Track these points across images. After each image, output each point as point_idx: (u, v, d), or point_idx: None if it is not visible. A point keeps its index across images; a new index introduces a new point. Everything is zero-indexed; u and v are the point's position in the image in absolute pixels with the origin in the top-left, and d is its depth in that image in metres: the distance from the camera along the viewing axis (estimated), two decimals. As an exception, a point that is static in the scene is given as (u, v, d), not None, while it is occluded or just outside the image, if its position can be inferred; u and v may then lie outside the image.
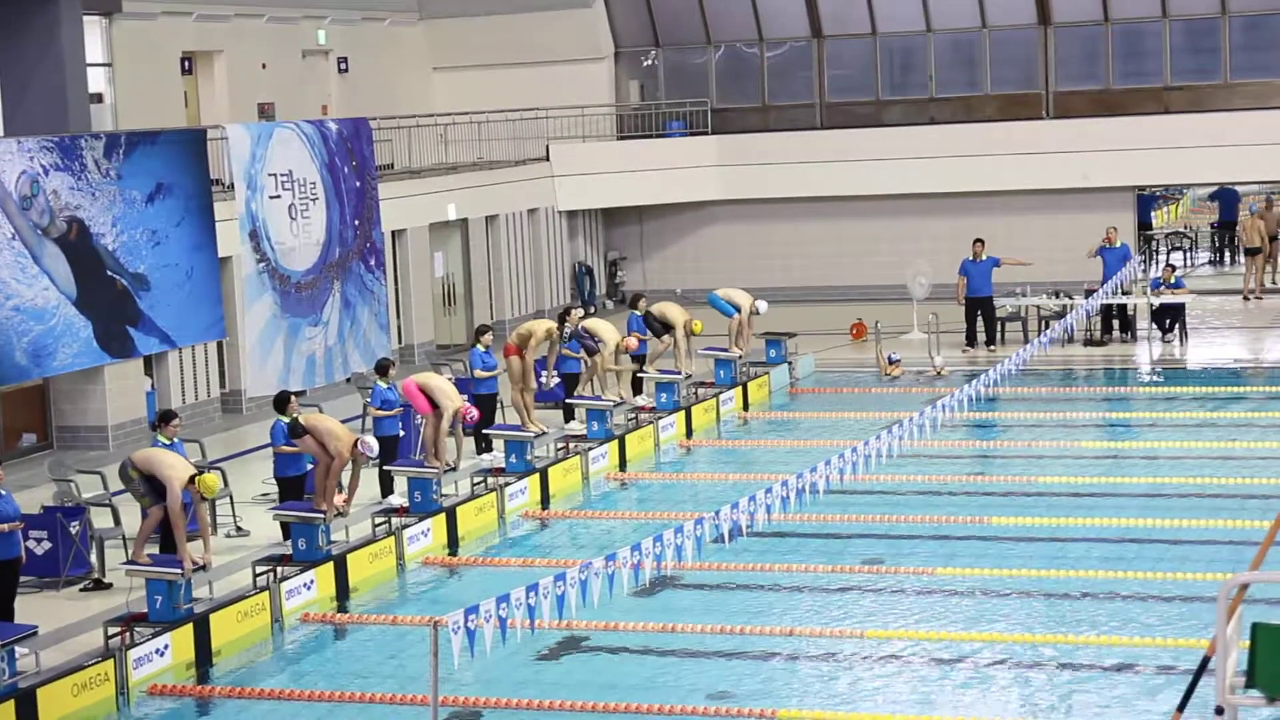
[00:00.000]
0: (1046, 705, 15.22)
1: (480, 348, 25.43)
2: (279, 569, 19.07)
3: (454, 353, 33.14)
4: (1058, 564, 19.28)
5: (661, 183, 40.09)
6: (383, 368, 23.77)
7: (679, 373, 28.02)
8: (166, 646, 16.99)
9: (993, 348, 32.53)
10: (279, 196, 28.18)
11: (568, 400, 26.67)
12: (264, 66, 34.92)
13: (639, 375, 28.47)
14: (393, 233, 32.77)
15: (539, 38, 40.71)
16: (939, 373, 30.61)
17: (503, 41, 40.78)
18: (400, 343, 33.25)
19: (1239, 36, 38.79)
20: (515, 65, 40.71)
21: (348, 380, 29.34)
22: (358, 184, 30.28)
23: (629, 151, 40.54)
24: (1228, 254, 45.39)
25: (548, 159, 39.25)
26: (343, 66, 37.62)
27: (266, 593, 18.50)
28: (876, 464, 20.92)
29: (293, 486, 20.85)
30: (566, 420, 26.52)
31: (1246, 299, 37.00)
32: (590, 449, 24.90)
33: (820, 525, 21.07)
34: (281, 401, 21.24)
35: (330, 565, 19.43)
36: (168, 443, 19.72)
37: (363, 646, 17.87)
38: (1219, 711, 9.84)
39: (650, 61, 41.99)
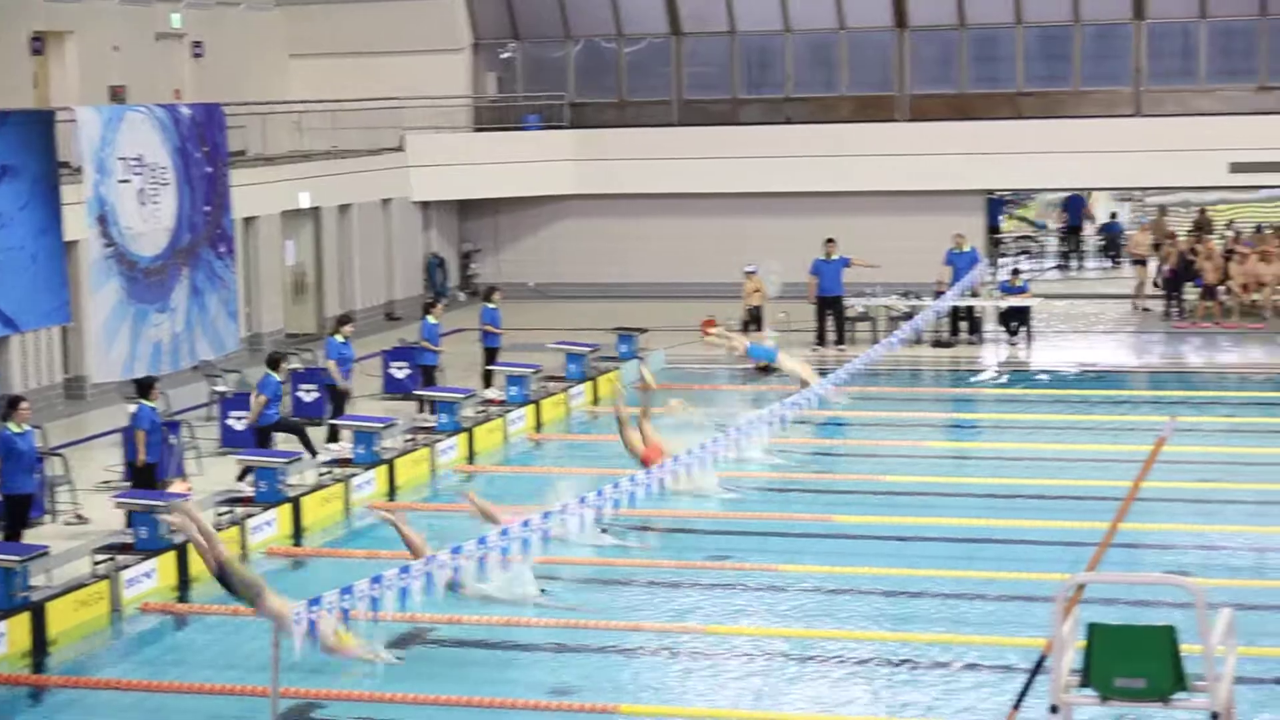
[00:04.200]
0: (886, 701, 15.34)
1: (339, 338, 25.24)
2: (119, 557, 18.82)
3: (303, 342, 32.86)
4: (901, 562, 19.44)
5: (517, 176, 40.01)
6: (344, 319, 25.34)
7: (534, 366, 28.08)
8: (1, 635, 16.71)
9: (842, 347, 32.76)
10: (129, 181, 27.79)
11: (418, 392, 26.61)
12: (116, 49, 34.42)
13: (489, 369, 28.45)
14: (244, 220, 32.45)
15: (397, 27, 40.48)
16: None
17: (360, 30, 40.51)
18: (249, 331, 32.92)
19: (1090, 45, 39.34)
20: (372, 54, 40.47)
21: (195, 368, 29.01)
22: (209, 170, 29.93)
23: (485, 143, 40.41)
24: (1074, 258, 46.07)
25: (403, 149, 39.05)
26: (197, 51, 37.16)
27: (106, 581, 18.25)
28: (725, 461, 21.01)
29: (145, 474, 20.70)
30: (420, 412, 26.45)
31: (1136, 308, 37.21)
32: (439, 441, 24.81)
33: (667, 520, 21.11)
34: (145, 386, 21.20)
35: (172, 554, 19.20)
36: (18, 430, 19.42)
37: (203, 636, 17.68)
38: (1053, 709, 9.97)
39: (508, 54, 41.87)
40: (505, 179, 39.99)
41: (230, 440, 24.81)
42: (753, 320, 32.94)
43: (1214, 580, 17.84)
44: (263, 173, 33.81)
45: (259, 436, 23.23)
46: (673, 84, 41.02)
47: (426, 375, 27.33)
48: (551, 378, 29.01)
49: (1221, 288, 35.30)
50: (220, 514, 20.71)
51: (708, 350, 32.64)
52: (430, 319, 27.73)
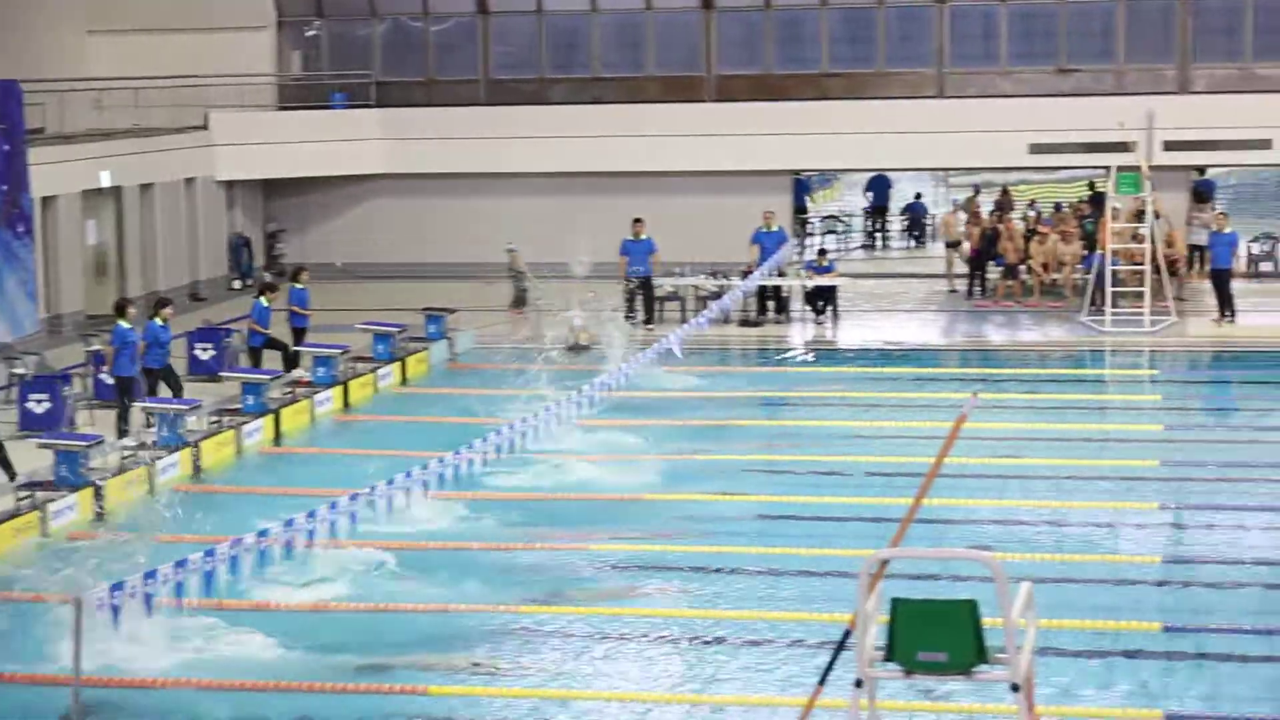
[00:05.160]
0: (693, 678, 15.42)
1: (159, 321, 24.85)
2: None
3: (104, 323, 32.29)
4: (711, 539, 19.55)
5: (323, 155, 39.65)
6: (163, 301, 25.34)
7: (342, 347, 27.91)
8: None
9: (651, 326, 32.86)
10: (-79, 158, 27.21)
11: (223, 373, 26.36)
12: (-92, 23, 33.63)
13: (296, 349, 28.24)
14: (43, 199, 31.81)
15: (199, 3, 39.92)
16: (580, 342, 30.85)
17: (162, 6, 39.89)
18: (49, 312, 32.30)
19: (894, 27, 39.80)
20: (174, 31, 39.85)
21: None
22: (6, 148, 29.36)
23: (290, 122, 40.01)
24: (879, 238, 46.63)
25: (207, 128, 38.53)
26: (-7, 26, 36.39)
27: (-99, 569, 17.85)
28: (534, 439, 21.04)
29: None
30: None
31: (954, 291, 37.46)
32: (245, 423, 24.54)
33: (475, 501, 21.02)
34: None
35: (-30, 540, 18.83)
36: None
37: (2, 623, 17.32)
38: (858, 684, 10.08)
39: (313, 32, 41.47)
40: (311, 158, 39.62)
41: (29, 423, 24.37)
42: (520, 296, 33.02)
43: (1015, 554, 18.16)
44: (62, 151, 33.18)
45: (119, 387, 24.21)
46: (480, 63, 40.89)
47: (254, 356, 27.51)
48: (359, 358, 28.83)
49: (1022, 267, 35.88)
50: (20, 498, 20.32)
51: (517, 330, 32.71)
52: (263, 301, 27.69)
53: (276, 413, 25.32)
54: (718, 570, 18.45)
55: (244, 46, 40.30)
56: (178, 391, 25.27)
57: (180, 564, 14.30)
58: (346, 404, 27.16)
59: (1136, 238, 33.46)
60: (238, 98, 39.47)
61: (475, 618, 17.03)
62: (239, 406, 25.20)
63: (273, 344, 27.77)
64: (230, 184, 39.28)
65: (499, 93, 40.71)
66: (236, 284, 38.41)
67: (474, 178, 39.90)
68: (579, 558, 19.01)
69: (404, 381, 28.99)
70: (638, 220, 33.51)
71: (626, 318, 33.06)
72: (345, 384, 27.41)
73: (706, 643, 16.29)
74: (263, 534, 15.85)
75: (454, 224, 40.04)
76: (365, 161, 40.03)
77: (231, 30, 40.11)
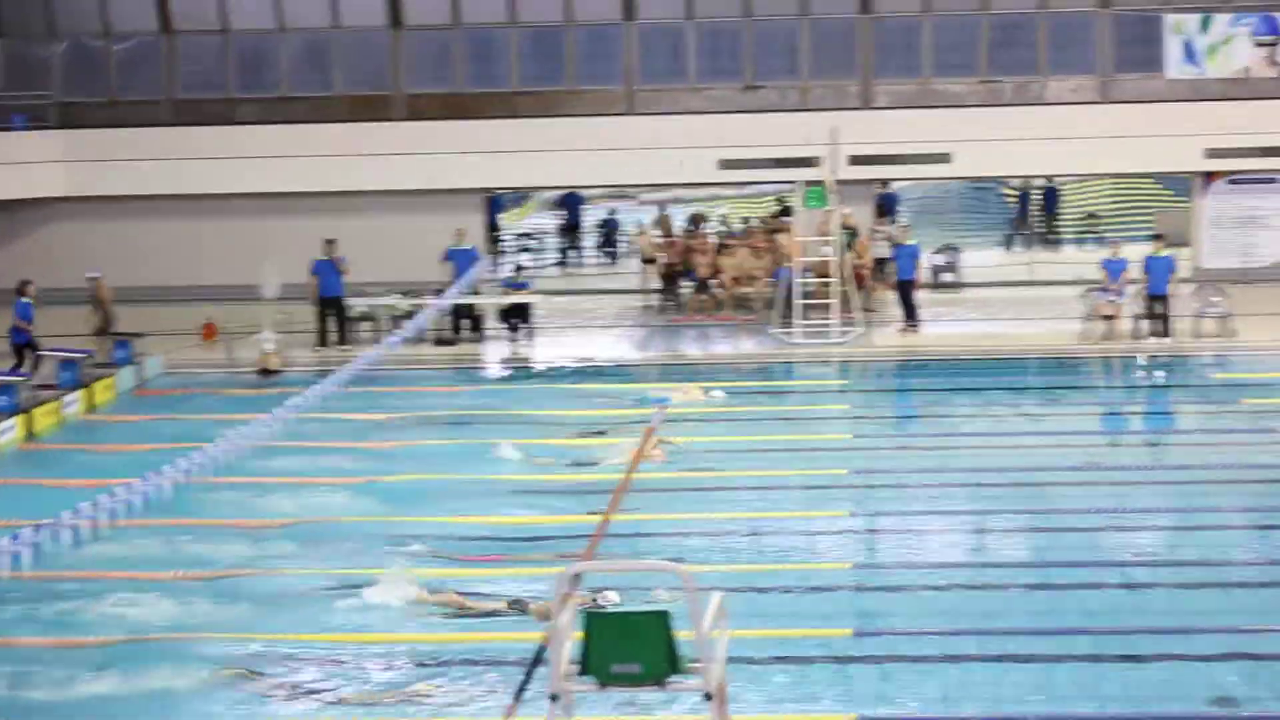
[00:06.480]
0: (392, 700, 15.28)
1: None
2: None
3: None
4: (409, 560, 19.40)
5: (2, 178, 38.59)
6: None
7: (25, 374, 27.28)
8: None
9: (344, 347, 32.59)
10: None
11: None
12: None
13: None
14: None
15: None
16: (270, 366, 30.62)
17: None
18: None
19: (582, 45, 40.09)
20: None
21: None
22: None
23: (-33, 145, 38.94)
24: (573, 255, 46.95)
25: (-122, 151, 37.35)
26: None
27: None
28: (226, 465, 20.74)
29: None
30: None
31: (648, 306, 37.82)
32: (-78, 455, 23.78)
33: (178, 528, 20.54)
34: None
35: None
36: None
37: None
38: (554, 698, 10.11)
39: (-11, 52, 40.44)
40: (-10, 181, 38.60)
41: None
42: (104, 324, 32.39)
43: (710, 565, 18.34)
44: None
45: None
46: (165, 83, 40.21)
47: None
48: (44, 386, 28.13)
49: (714, 281, 36.35)
50: None
51: (208, 354, 32.26)
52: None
53: (-44, 444, 24.59)
54: (423, 592, 18.29)
55: (-84, 67, 39.15)
56: None
57: None
58: (30, 433, 26.45)
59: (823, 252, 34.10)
60: (-89, 120, 38.31)
61: (213, 646, 16.66)
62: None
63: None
64: (-96, 209, 38.09)
65: (185, 112, 40.09)
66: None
67: (160, 199, 39.25)
68: (287, 583, 18.69)
69: (91, 409, 28.34)
70: (330, 241, 33.24)
71: (319, 339, 32.80)
72: (29, 412, 26.70)
73: (406, 662, 16.15)
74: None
75: (141, 248, 39.31)
76: (46, 184, 39.11)
77: (-99, 50, 38.94)
